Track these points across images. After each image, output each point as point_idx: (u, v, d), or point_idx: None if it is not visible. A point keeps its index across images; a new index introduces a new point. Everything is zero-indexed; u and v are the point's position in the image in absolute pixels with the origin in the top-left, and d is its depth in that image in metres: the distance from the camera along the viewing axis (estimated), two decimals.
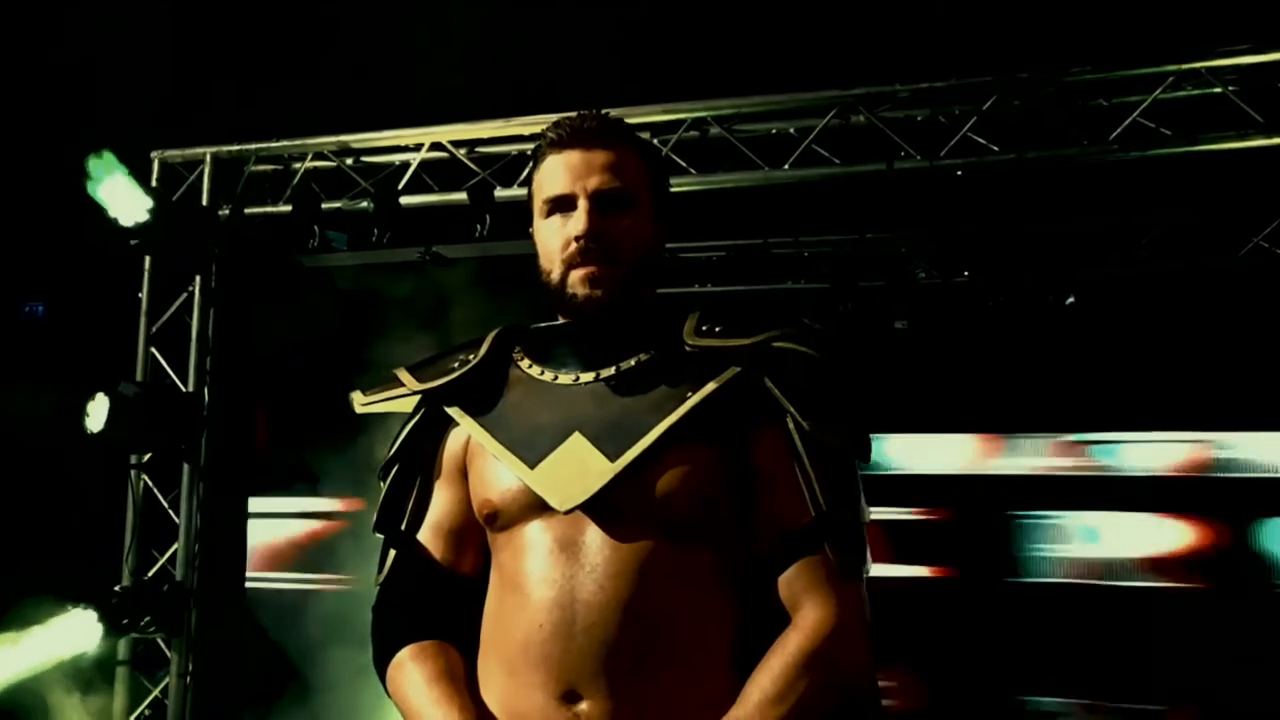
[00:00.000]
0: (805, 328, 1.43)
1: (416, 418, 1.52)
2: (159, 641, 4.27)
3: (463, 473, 1.48)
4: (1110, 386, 4.42)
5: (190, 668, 4.23)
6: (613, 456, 1.34)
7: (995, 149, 3.72)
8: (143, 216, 3.97)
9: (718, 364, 1.39)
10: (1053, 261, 4.53)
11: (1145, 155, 3.58)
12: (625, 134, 1.48)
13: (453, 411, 1.48)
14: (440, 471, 1.50)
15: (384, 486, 1.52)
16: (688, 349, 1.42)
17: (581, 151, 1.43)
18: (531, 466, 1.37)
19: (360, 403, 1.58)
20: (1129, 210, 4.39)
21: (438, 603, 1.44)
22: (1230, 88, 3.49)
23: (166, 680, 4.24)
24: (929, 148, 3.77)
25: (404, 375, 1.55)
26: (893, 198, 4.25)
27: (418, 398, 1.53)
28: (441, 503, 1.49)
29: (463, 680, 1.37)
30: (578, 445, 1.37)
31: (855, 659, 1.33)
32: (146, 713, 4.27)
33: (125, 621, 4.00)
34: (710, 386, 1.37)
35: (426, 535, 1.48)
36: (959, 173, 3.77)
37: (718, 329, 1.42)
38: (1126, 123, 3.58)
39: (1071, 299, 4.61)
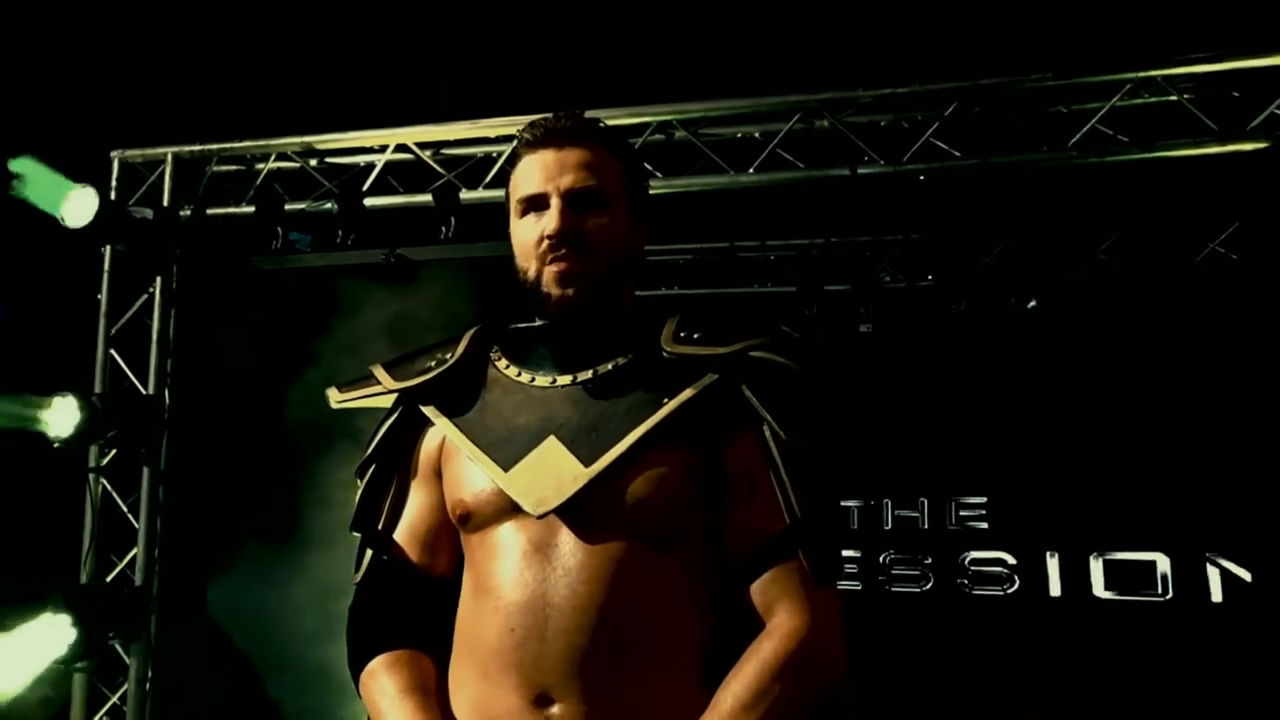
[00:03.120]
0: (784, 337, 1.43)
1: (394, 416, 1.52)
2: (117, 647, 4.21)
3: (438, 473, 1.48)
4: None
5: (150, 674, 4.17)
6: (587, 461, 1.34)
7: (957, 154, 3.76)
8: (89, 215, 3.92)
9: (695, 371, 1.39)
10: (1014, 266, 4.59)
11: (1103, 161, 3.63)
12: (600, 133, 1.47)
13: (429, 411, 1.48)
14: (416, 471, 1.50)
15: (361, 485, 1.52)
16: (665, 355, 1.41)
17: (555, 150, 1.44)
18: (506, 469, 1.37)
19: (336, 399, 1.58)
20: (1089, 216, 4.45)
21: (412, 607, 1.44)
22: (1186, 95, 3.55)
23: (125, 687, 4.18)
24: (892, 152, 3.80)
25: (380, 373, 1.54)
26: (857, 202, 4.29)
27: (395, 395, 1.53)
28: (417, 504, 1.49)
29: (434, 693, 1.37)
30: (552, 449, 1.37)
31: (830, 666, 1.33)
32: None
33: (82, 626, 3.93)
34: (687, 393, 1.37)
35: (402, 536, 1.48)
36: (921, 177, 3.81)
37: (696, 335, 1.42)
38: (1085, 129, 3.63)
39: (1034, 303, 4.68)
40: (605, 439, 1.35)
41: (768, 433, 1.36)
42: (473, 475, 1.40)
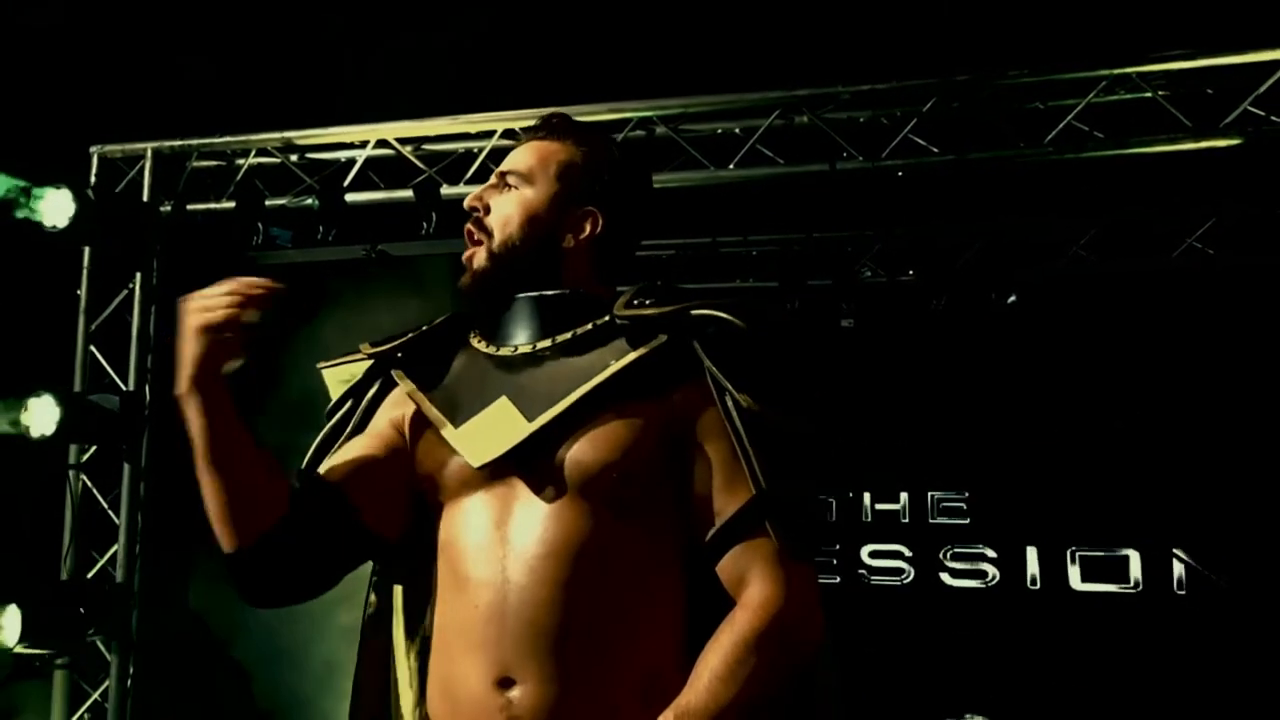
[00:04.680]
0: (728, 299, 1.42)
1: (366, 370, 1.56)
2: (99, 644, 4.20)
3: (398, 431, 1.48)
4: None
5: (131, 671, 4.17)
6: (531, 418, 1.36)
7: (935, 150, 3.78)
8: (70, 213, 3.90)
9: (646, 333, 1.40)
10: (994, 262, 4.61)
11: (1080, 157, 3.66)
12: (561, 126, 1.53)
13: (397, 375, 1.52)
14: (369, 425, 1.52)
15: (325, 427, 1.56)
16: (618, 322, 1.42)
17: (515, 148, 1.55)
18: (456, 426, 1.39)
19: (321, 367, 1.64)
20: (1067, 212, 4.48)
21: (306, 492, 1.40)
22: (1160, 92, 3.58)
23: (106, 684, 4.17)
24: (871, 148, 3.82)
25: (364, 347, 1.60)
26: (837, 197, 4.30)
27: (371, 362, 1.57)
28: (355, 446, 1.47)
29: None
30: (501, 407, 1.39)
31: (806, 638, 1.31)
32: (86, 717, 4.20)
33: (63, 623, 3.93)
34: (636, 353, 1.38)
35: (327, 464, 1.45)
36: (900, 173, 3.82)
37: (648, 302, 1.43)
38: (1062, 125, 3.65)
39: (1013, 298, 4.70)
40: (553, 399, 1.37)
41: (729, 401, 1.33)
42: (438, 446, 1.42)
